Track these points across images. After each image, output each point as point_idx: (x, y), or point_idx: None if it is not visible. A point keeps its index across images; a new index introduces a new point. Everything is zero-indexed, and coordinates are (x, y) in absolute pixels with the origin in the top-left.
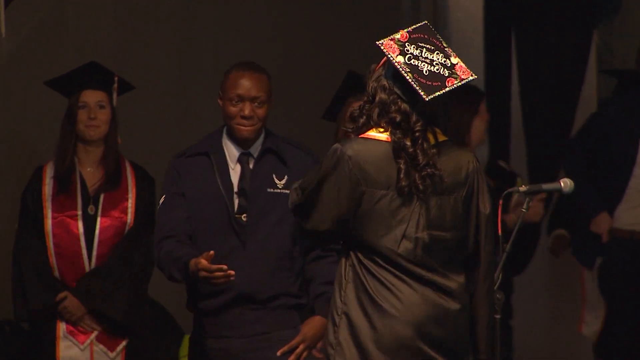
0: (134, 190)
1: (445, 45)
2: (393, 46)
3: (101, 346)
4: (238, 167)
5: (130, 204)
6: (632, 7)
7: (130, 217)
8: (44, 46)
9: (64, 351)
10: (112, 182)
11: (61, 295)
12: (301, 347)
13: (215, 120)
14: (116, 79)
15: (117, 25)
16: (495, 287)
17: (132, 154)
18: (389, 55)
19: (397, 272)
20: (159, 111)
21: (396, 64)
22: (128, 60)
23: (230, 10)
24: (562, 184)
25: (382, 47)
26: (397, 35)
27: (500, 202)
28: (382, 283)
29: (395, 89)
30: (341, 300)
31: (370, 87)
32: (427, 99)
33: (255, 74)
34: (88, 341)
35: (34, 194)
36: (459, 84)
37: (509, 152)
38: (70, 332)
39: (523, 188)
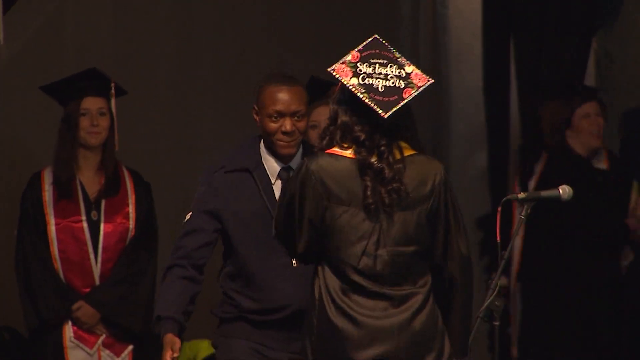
0: (133, 196)
1: (397, 55)
2: (345, 69)
3: (107, 351)
4: (279, 183)
5: (131, 209)
6: (632, 13)
7: (132, 223)
8: (43, 51)
9: (72, 357)
10: (112, 187)
11: (76, 305)
12: None
13: (214, 122)
14: (113, 85)
15: (116, 30)
16: (495, 294)
17: (130, 157)
18: (342, 80)
19: (357, 288)
20: (157, 114)
21: (350, 87)
22: (127, 64)
23: (229, 12)
24: (560, 191)
25: (334, 73)
26: (348, 57)
27: (499, 208)
28: (344, 298)
29: (355, 111)
30: (315, 319)
31: (331, 110)
32: (386, 116)
33: (292, 87)
34: (96, 346)
35: (33, 200)
36: (417, 92)
37: (508, 157)
38: (78, 338)
39: (522, 195)
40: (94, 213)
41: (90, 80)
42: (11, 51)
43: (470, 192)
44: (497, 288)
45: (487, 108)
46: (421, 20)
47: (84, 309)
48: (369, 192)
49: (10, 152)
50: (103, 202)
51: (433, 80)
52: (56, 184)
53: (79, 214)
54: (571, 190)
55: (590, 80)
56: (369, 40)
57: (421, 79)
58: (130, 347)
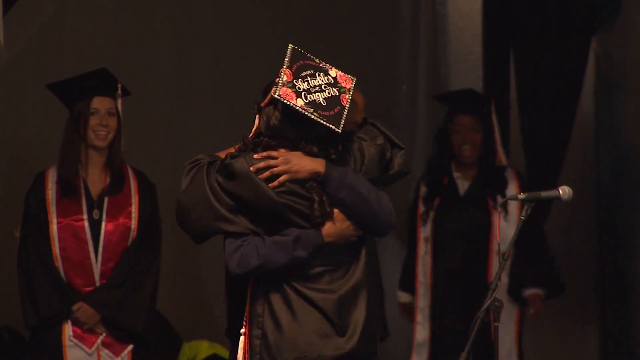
0: (137, 195)
1: (317, 61)
2: (289, 92)
3: (107, 351)
4: None
5: (134, 209)
6: (631, 14)
7: (134, 223)
8: (43, 52)
9: (71, 356)
10: (116, 186)
11: (76, 305)
12: (281, 167)
13: (215, 123)
14: (119, 85)
15: (116, 30)
16: (495, 294)
17: (132, 157)
18: (291, 104)
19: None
20: (158, 115)
21: (300, 109)
22: (127, 64)
23: (229, 11)
24: (560, 191)
25: (282, 99)
26: (284, 77)
27: (499, 209)
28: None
29: (299, 126)
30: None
31: (264, 125)
32: (339, 130)
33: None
34: (95, 346)
35: (37, 199)
36: (350, 95)
37: (508, 157)
38: (77, 337)
39: (522, 195)
40: (95, 212)
41: (100, 80)
42: (11, 51)
43: None
44: (497, 288)
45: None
46: (421, 20)
47: (83, 310)
48: (316, 206)
49: (10, 151)
50: (106, 201)
51: (355, 78)
52: (60, 182)
53: (81, 213)
54: (571, 191)
55: (589, 81)
56: (289, 52)
57: (347, 81)
58: (130, 347)
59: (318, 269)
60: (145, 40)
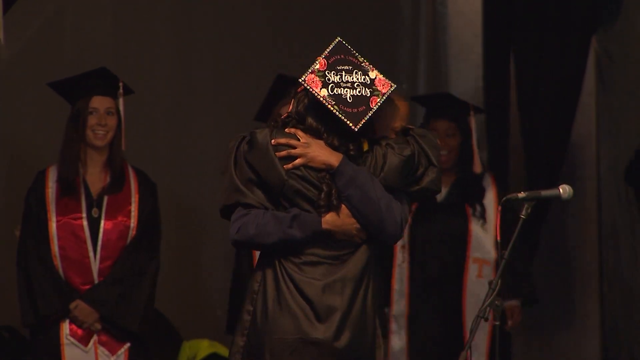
0: (137, 194)
1: (361, 60)
2: (315, 80)
3: (104, 349)
4: None
5: (134, 208)
6: (631, 13)
7: (133, 222)
8: (43, 51)
9: (68, 354)
10: (116, 185)
11: (73, 304)
12: (299, 150)
13: (215, 122)
14: (121, 84)
15: (116, 27)
16: (495, 294)
17: (132, 157)
18: (314, 91)
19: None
20: (159, 114)
21: (321, 99)
22: (127, 64)
23: (229, 11)
24: (560, 190)
25: (305, 84)
26: (317, 66)
27: (500, 208)
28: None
29: (324, 119)
30: None
31: (294, 109)
32: (356, 129)
33: None
34: (91, 343)
35: (37, 197)
36: (382, 100)
37: (508, 158)
38: (73, 335)
39: (522, 194)
40: (94, 210)
41: (100, 80)
42: (12, 50)
43: None
44: (497, 288)
45: (487, 106)
46: (421, 20)
47: (81, 308)
48: (323, 196)
49: (11, 150)
50: (105, 200)
51: (395, 85)
52: (60, 181)
53: (80, 211)
54: (571, 190)
55: (590, 79)
56: (334, 44)
57: (385, 85)
58: (127, 345)
59: (313, 258)
60: (146, 39)
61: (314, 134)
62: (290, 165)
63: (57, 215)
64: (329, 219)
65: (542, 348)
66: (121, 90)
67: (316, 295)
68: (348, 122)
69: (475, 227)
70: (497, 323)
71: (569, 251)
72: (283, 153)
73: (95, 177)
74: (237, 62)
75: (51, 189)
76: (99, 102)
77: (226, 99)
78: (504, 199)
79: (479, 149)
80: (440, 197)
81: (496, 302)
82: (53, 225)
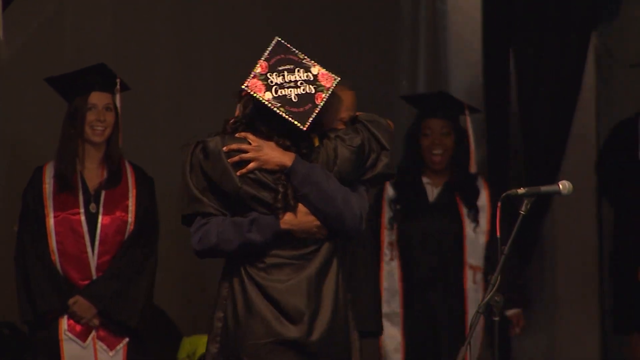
0: (134, 190)
1: (302, 57)
2: (258, 84)
3: (102, 344)
4: None
5: (131, 202)
6: (631, 10)
7: (131, 217)
8: (43, 49)
9: (67, 350)
10: (113, 180)
11: (72, 299)
12: (251, 154)
13: (215, 121)
14: (118, 80)
15: (116, 27)
16: (494, 290)
17: (130, 153)
18: (258, 96)
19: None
20: (158, 112)
21: (266, 102)
22: (127, 62)
23: (229, 11)
24: (560, 186)
25: (249, 90)
26: (258, 69)
27: (499, 204)
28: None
29: (273, 122)
30: None
31: (241, 114)
32: (305, 128)
33: None
34: (89, 339)
35: (35, 193)
36: (327, 94)
37: (508, 154)
38: (71, 331)
39: (521, 190)
40: (92, 205)
41: (98, 76)
42: (11, 49)
43: None
44: (497, 283)
45: (487, 104)
46: (421, 17)
47: (79, 303)
48: (280, 197)
49: (10, 148)
50: (103, 195)
51: (339, 78)
52: (57, 177)
53: (77, 207)
54: (571, 185)
55: (590, 76)
56: (273, 44)
57: (328, 79)
58: (125, 341)
59: (276, 259)
60: (146, 38)
61: (264, 136)
62: (244, 170)
63: (55, 210)
64: (287, 219)
65: (543, 346)
66: (118, 87)
67: (283, 297)
68: (296, 122)
69: (468, 229)
70: (497, 319)
71: (568, 249)
72: (235, 159)
73: (92, 172)
74: (237, 62)
75: (48, 185)
76: (97, 98)
77: (225, 96)
78: (504, 194)
79: (476, 149)
80: (432, 196)
81: (496, 297)
82: (51, 221)
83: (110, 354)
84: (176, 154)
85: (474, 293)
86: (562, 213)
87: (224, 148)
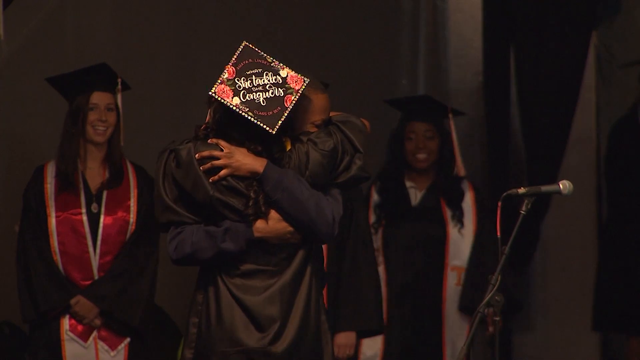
0: (136, 190)
1: (270, 60)
2: (226, 90)
3: (103, 344)
4: None
5: (133, 203)
6: (632, 8)
7: (132, 217)
8: (44, 47)
9: (69, 350)
10: (115, 180)
11: (74, 299)
12: (222, 161)
13: None
14: (119, 80)
15: (116, 27)
16: (495, 289)
17: (131, 153)
18: (226, 102)
19: None
20: (158, 110)
21: (234, 108)
22: (127, 61)
23: (229, 11)
24: (561, 185)
25: (216, 96)
26: (225, 75)
27: (499, 204)
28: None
29: (243, 127)
30: None
31: (211, 120)
32: (274, 132)
33: None
34: (91, 339)
35: (36, 193)
36: (296, 97)
37: (509, 154)
38: (73, 331)
39: (522, 190)
40: (94, 205)
41: (100, 75)
42: (12, 46)
43: None
44: (497, 284)
45: (487, 104)
46: (421, 15)
47: (82, 303)
48: (251, 203)
49: (11, 146)
50: (104, 195)
51: (308, 80)
52: (59, 177)
53: (79, 207)
54: (571, 185)
55: (590, 75)
56: (240, 49)
57: (297, 82)
58: (127, 340)
59: (251, 266)
60: (146, 36)
61: (236, 142)
62: (216, 177)
63: (57, 210)
64: (260, 227)
65: (543, 345)
66: (119, 86)
67: (256, 305)
68: (264, 126)
69: (452, 231)
70: (497, 319)
71: (568, 249)
72: (207, 166)
73: (94, 172)
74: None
75: (50, 185)
76: (99, 98)
77: None
78: (504, 194)
79: (469, 151)
80: (415, 200)
81: (496, 297)
82: (52, 221)
83: (112, 353)
84: None
85: (455, 294)
86: (562, 213)
87: (196, 155)
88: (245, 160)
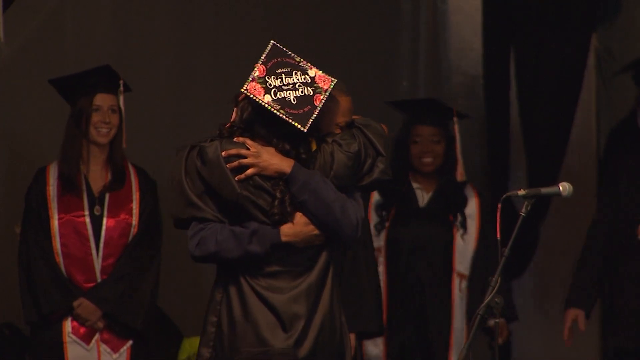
0: (138, 192)
1: (298, 59)
2: (257, 87)
3: (105, 347)
4: None
5: (135, 205)
6: (632, 10)
7: (135, 219)
8: (44, 48)
9: (71, 352)
10: (117, 183)
11: (77, 302)
12: (250, 160)
13: (214, 122)
14: (121, 82)
15: (116, 28)
16: (495, 291)
17: (133, 154)
18: (257, 99)
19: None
20: (157, 113)
21: (266, 105)
22: (126, 63)
23: (228, 12)
24: (560, 187)
25: (248, 93)
26: (256, 73)
27: (499, 206)
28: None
29: (272, 124)
30: None
31: (239, 118)
32: (305, 130)
33: None
34: (93, 341)
35: (38, 194)
36: (325, 96)
37: (509, 155)
38: (75, 333)
39: (522, 191)
40: (97, 208)
41: (103, 77)
42: (12, 47)
43: None
44: (497, 285)
45: (487, 104)
46: (421, 16)
47: (84, 306)
48: (277, 203)
49: (11, 148)
50: (107, 197)
51: (336, 80)
52: (61, 178)
53: (82, 209)
54: (571, 187)
55: (590, 77)
56: (268, 48)
57: (325, 81)
58: (129, 343)
59: (276, 268)
60: (146, 37)
61: (263, 140)
62: (242, 176)
63: (59, 212)
64: (287, 231)
65: (542, 345)
66: (121, 88)
67: (281, 305)
68: (296, 124)
69: (457, 236)
70: (498, 320)
71: (569, 250)
72: (234, 164)
73: (96, 174)
74: (237, 64)
75: (52, 187)
76: (102, 100)
77: (226, 97)
78: (504, 196)
79: (470, 153)
80: (422, 203)
81: (496, 299)
82: (55, 223)
83: (114, 356)
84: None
85: (460, 301)
86: (562, 214)
87: (223, 153)
88: (272, 160)
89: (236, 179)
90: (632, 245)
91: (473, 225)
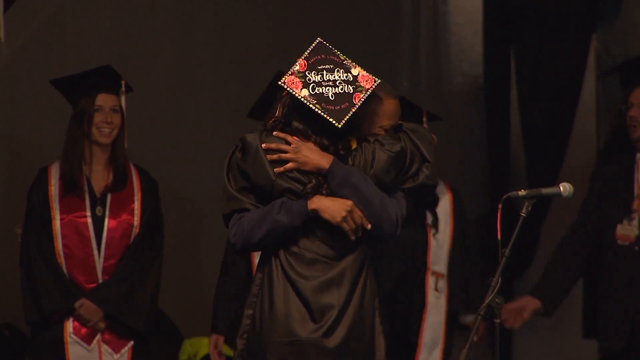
0: (139, 193)
1: (343, 58)
2: (295, 81)
3: (107, 347)
4: None
5: (137, 206)
6: (632, 10)
7: (137, 220)
8: (44, 48)
9: (72, 352)
10: (119, 183)
11: (79, 302)
12: (289, 155)
13: (214, 122)
14: (123, 82)
15: (116, 28)
16: (495, 292)
17: (134, 155)
18: (294, 92)
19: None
20: (160, 112)
21: (302, 99)
22: (127, 63)
23: (228, 13)
24: (561, 188)
25: (285, 86)
26: (296, 67)
27: (500, 206)
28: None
29: (309, 119)
30: None
31: (280, 113)
32: (340, 126)
33: None
34: (95, 342)
35: (40, 195)
36: (365, 95)
37: (509, 156)
38: (77, 333)
39: (522, 192)
40: (98, 209)
41: (104, 77)
42: (12, 48)
43: (470, 190)
44: (498, 286)
45: (487, 105)
46: (422, 17)
47: (86, 306)
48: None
49: (11, 148)
50: (109, 198)
51: (380, 80)
52: (63, 179)
53: (84, 210)
54: (572, 188)
55: (590, 78)
56: (314, 44)
57: (368, 81)
58: (131, 344)
59: (311, 255)
60: (147, 37)
61: (302, 136)
62: (281, 169)
63: (61, 213)
64: (315, 200)
65: (543, 347)
66: (123, 88)
67: (312, 294)
68: (331, 119)
69: (430, 236)
70: (498, 321)
71: None
72: (274, 157)
73: (98, 175)
74: (237, 62)
75: (54, 187)
76: (104, 100)
77: (226, 97)
78: (505, 196)
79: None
80: None
81: (497, 299)
82: (57, 223)
83: (116, 356)
84: (178, 153)
85: (435, 300)
86: (562, 214)
87: (263, 145)
88: (312, 155)
89: (275, 171)
90: (612, 249)
91: (447, 222)
